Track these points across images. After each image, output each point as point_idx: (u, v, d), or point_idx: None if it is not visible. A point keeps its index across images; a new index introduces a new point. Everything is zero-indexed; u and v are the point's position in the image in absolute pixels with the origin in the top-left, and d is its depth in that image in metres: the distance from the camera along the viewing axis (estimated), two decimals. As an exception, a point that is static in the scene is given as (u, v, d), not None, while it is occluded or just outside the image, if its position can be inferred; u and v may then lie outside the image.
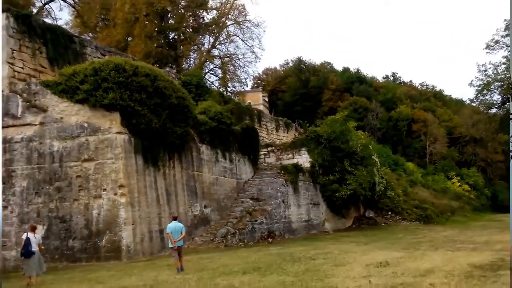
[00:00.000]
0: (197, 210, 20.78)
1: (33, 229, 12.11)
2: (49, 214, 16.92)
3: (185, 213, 19.85)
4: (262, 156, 29.71)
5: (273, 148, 30.42)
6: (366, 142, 30.26)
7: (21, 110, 18.02)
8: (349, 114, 42.96)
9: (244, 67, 46.67)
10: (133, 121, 17.25)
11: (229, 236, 19.41)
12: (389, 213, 33.14)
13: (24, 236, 11.71)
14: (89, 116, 17.37)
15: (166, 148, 19.24)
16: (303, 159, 28.66)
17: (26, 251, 11.38)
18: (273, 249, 16.77)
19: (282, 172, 25.74)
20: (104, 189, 16.79)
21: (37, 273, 11.57)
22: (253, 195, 24.12)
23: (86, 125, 17.34)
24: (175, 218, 13.26)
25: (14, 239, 16.66)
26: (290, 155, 29.46)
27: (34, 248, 11.54)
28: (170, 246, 12.65)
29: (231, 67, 46.10)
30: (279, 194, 24.09)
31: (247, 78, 49.53)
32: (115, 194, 16.65)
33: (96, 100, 16.91)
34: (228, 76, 44.70)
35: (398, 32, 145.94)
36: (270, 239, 21.06)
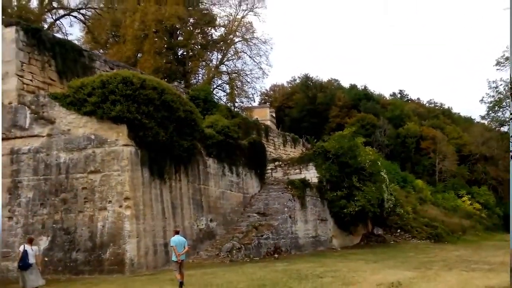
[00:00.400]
0: (202, 224, 20.53)
1: (30, 241, 12.11)
2: (54, 225, 16.78)
3: (190, 226, 19.61)
4: (269, 171, 29.49)
5: (280, 163, 30.20)
6: (375, 158, 29.95)
7: (29, 121, 18.08)
8: (357, 130, 42.64)
9: (252, 83, 46.85)
10: (140, 134, 17.20)
11: (234, 251, 19.09)
12: (398, 230, 32.54)
13: (21, 249, 11.63)
14: (96, 128, 17.36)
15: (172, 161, 19.13)
16: (311, 174, 28.39)
17: (24, 264, 11.33)
18: (279, 265, 16.40)
19: (289, 187, 25.47)
20: (110, 201, 16.65)
21: (33, 285, 11.47)
22: (260, 210, 23.83)
23: (93, 137, 17.31)
24: (177, 232, 13.15)
25: (17, 250, 16.50)
26: (298, 170, 29.21)
27: (31, 260, 11.47)
28: (174, 259, 12.43)
29: (239, 83, 46.28)
30: (286, 209, 23.78)
31: (254, 93, 49.65)
32: (120, 206, 16.49)
33: (104, 112, 16.91)
34: (235, 92, 44.82)
35: (404, 53, 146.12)
36: (276, 255, 20.67)
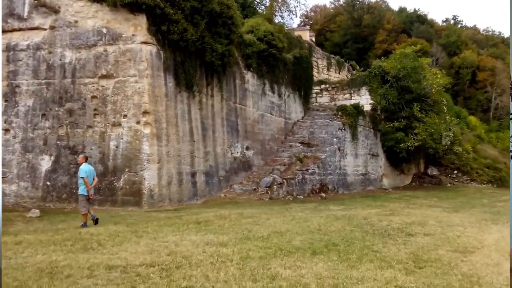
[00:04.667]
0: (237, 152, 17.06)
1: None
2: (58, 142, 13.64)
3: (223, 154, 16.18)
4: (314, 95, 25.37)
5: (327, 85, 25.88)
6: (444, 83, 25.04)
7: (28, 9, 14.37)
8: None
9: (295, -7, 40.95)
10: (163, 28, 13.22)
11: (275, 186, 15.71)
12: (455, 172, 28.53)
13: None
14: (108, 20, 13.50)
15: (203, 69, 15.28)
16: (363, 100, 24.16)
17: None
18: (335, 209, 12.93)
19: (340, 113, 21.42)
20: (125, 116, 13.21)
21: None
22: (304, 139, 20.13)
23: (104, 30, 13.51)
24: (86, 159, 9.82)
25: (15, 170, 13.59)
26: (347, 95, 25.01)
27: None
28: (84, 193, 9.33)
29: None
30: (334, 139, 19.97)
31: (297, 7, 43.88)
32: (138, 122, 13.05)
33: (118, -3, 12.89)
34: (276, 4, 39.27)
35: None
36: (323, 194, 17.28)
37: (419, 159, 27.39)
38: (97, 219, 9.34)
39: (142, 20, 13.06)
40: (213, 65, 15.25)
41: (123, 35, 13.24)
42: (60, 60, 13.90)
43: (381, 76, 23.96)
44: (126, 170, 12.94)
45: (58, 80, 13.88)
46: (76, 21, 13.87)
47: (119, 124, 13.23)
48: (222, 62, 15.57)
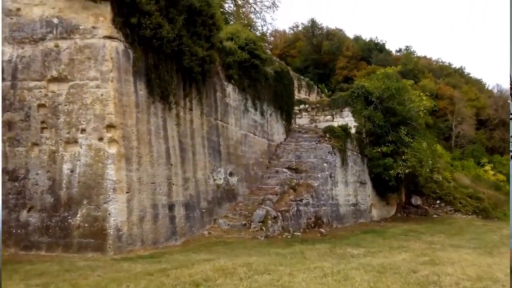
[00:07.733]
0: (220, 178, 14.11)
1: None
2: (-12, 164, 10.15)
3: (205, 180, 13.17)
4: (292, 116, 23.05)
5: (307, 106, 23.70)
6: (430, 106, 23.65)
7: (-46, -7, 10.99)
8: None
9: (261, 13, 39.60)
10: (133, 21, 10.34)
11: (269, 221, 12.84)
12: (438, 201, 26.93)
13: None
14: (61, 8, 10.44)
15: (180, 77, 12.43)
16: (346, 122, 22.06)
17: None
18: (355, 253, 10.23)
19: (327, 135, 19.11)
20: (83, 130, 10.04)
21: None
22: (291, 164, 17.53)
23: (56, 21, 10.41)
24: None
25: None
26: (329, 117, 22.87)
27: None
28: None
29: (245, 11, 38.96)
30: (325, 165, 17.56)
31: (264, 26, 42.50)
32: (101, 139, 9.92)
33: (76, -20, 9.93)
34: (241, 21, 37.34)
35: (412, 6, 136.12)
36: (321, 229, 14.64)
37: (400, 188, 25.65)
38: None
39: (105, 9, 10.11)
40: (192, 72, 12.47)
41: (81, 27, 10.20)
42: (-4, 57, 10.61)
43: (364, 96, 22.09)
44: (85, 202, 9.68)
45: (-8, 84, 10.53)
46: (18, 9, 10.71)
47: (75, 141, 10.02)
48: (203, 69, 12.83)
